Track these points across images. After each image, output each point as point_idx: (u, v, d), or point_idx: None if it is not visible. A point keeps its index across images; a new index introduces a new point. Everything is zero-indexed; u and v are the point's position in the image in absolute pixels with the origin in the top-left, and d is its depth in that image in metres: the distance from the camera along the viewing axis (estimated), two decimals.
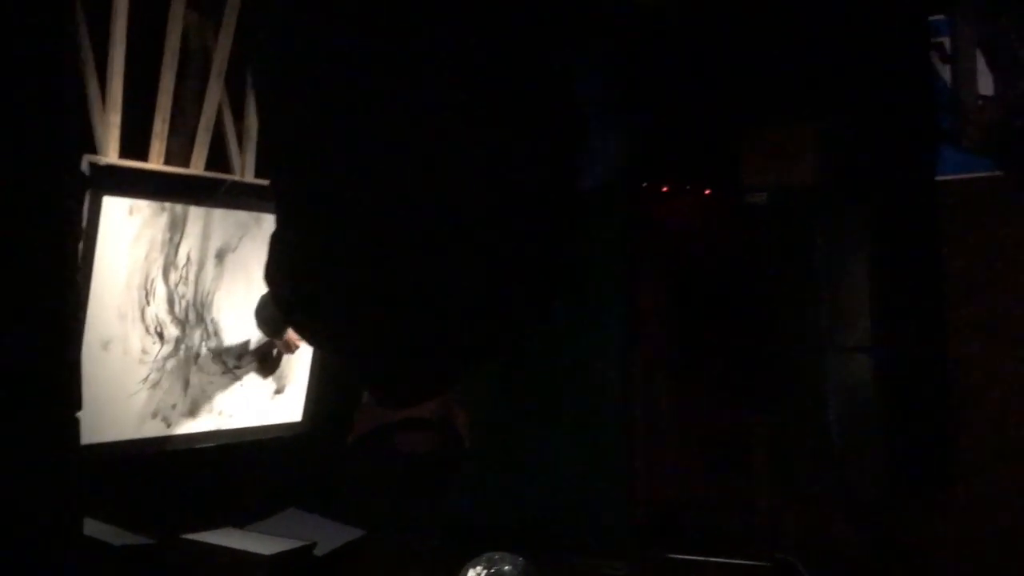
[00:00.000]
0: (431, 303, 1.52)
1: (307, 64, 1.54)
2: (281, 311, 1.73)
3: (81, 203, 2.74)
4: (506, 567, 2.89)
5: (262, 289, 2.63)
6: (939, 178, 3.92)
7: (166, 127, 2.98)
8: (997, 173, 3.72)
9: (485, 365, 1.66)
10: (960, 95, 3.60)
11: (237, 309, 3.16)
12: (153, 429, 3.05)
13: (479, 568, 2.87)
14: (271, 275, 1.68)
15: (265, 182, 2.75)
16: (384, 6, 1.53)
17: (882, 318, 3.78)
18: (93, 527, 3.24)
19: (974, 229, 3.95)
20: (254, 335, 3.24)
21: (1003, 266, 3.94)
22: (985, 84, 3.60)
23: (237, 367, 3.25)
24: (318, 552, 3.53)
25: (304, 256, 1.59)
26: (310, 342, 1.77)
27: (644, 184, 4.48)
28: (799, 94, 3.69)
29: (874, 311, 3.77)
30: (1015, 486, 3.90)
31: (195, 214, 3.06)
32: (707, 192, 4.48)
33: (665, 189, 4.54)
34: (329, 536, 3.67)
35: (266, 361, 3.32)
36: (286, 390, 3.42)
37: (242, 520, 3.59)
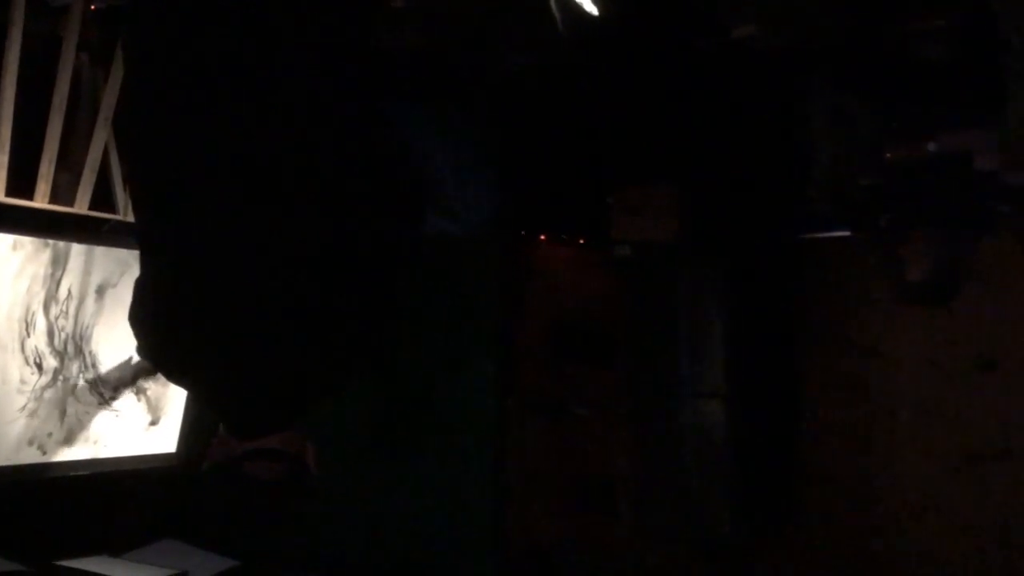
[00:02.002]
0: (272, 346, 1.69)
1: (160, 119, 1.70)
2: (140, 349, 1.88)
3: None
4: None
5: None
6: (804, 236, 4.19)
7: (52, 168, 3.10)
8: (856, 232, 3.99)
9: (321, 403, 1.83)
10: (812, 158, 3.87)
11: (115, 343, 3.27)
12: (29, 456, 3.13)
13: None
14: (134, 316, 1.84)
15: None
16: (236, 67, 1.69)
17: (736, 366, 4.02)
18: None
19: (832, 286, 4.22)
20: (131, 368, 3.36)
21: (850, 321, 4.22)
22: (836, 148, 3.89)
23: (114, 398, 3.36)
24: None
25: (162, 300, 1.76)
26: (167, 377, 1.92)
27: (523, 232, 4.67)
28: (662, 155, 3.93)
29: (728, 360, 4.01)
30: (856, 525, 4.15)
31: (77, 251, 3.17)
32: (581, 242, 4.69)
33: (542, 238, 4.74)
34: (202, 566, 3.73)
35: (141, 393, 3.42)
36: (161, 422, 3.52)
37: (117, 549, 3.64)
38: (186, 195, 1.69)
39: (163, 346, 1.80)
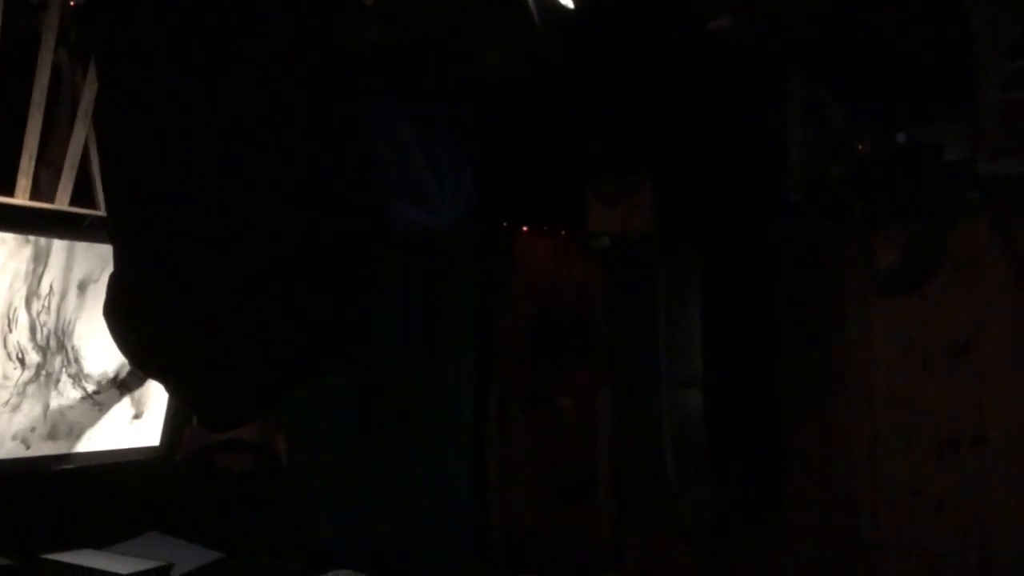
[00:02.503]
0: (241, 338, 1.73)
1: (127, 115, 1.74)
2: (115, 342, 1.92)
3: None
4: None
5: None
6: (780, 227, 4.25)
7: (32, 164, 3.12)
8: (829, 222, 4.05)
9: (290, 394, 1.87)
10: (786, 148, 3.93)
11: (98, 338, 3.29)
12: (12, 451, 3.16)
13: None
14: (107, 310, 1.88)
15: None
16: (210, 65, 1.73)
17: (713, 355, 4.08)
18: None
19: (809, 276, 4.27)
20: (114, 363, 3.39)
21: (828, 310, 4.28)
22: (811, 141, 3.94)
23: (97, 392, 3.38)
24: (175, 573, 3.62)
25: (133, 293, 1.79)
26: (140, 370, 1.95)
27: (504, 224, 4.72)
28: (638, 147, 3.98)
29: (706, 349, 4.07)
30: (835, 511, 4.21)
31: (59, 246, 3.19)
32: (563, 233, 4.73)
33: (525, 229, 4.78)
34: (187, 558, 3.75)
35: (125, 387, 3.46)
36: (144, 416, 3.54)
37: (103, 542, 3.68)
38: (155, 190, 1.73)
39: (135, 339, 1.84)
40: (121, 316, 1.84)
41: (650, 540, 4.44)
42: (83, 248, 3.24)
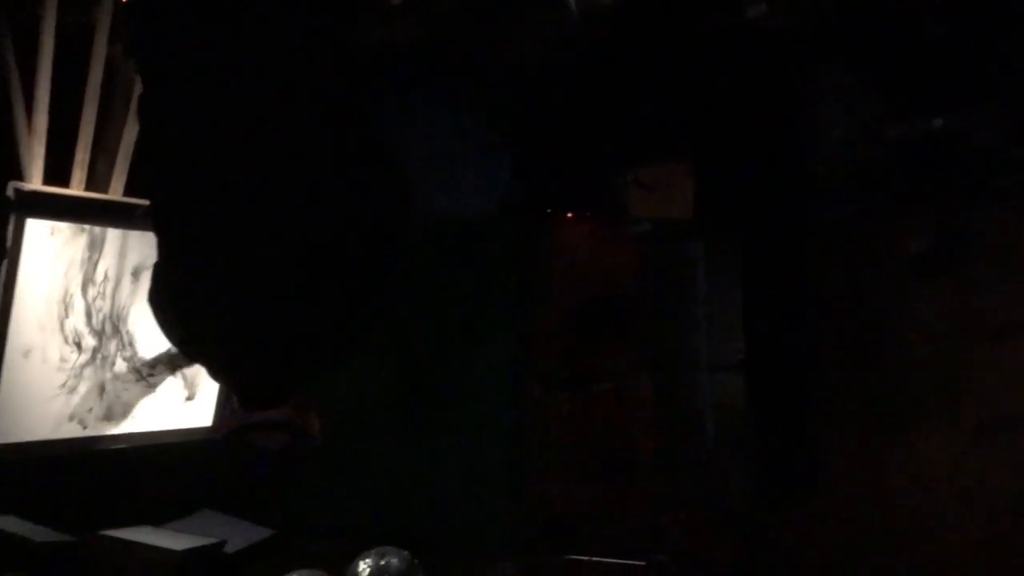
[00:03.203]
0: (275, 323, 1.84)
1: (166, 110, 1.84)
2: (160, 327, 2.04)
3: (6, 225, 3.03)
4: (393, 560, 3.13)
5: None
6: (817, 211, 4.27)
7: (87, 156, 3.26)
8: (860, 208, 4.07)
9: (322, 376, 1.97)
10: (821, 135, 3.94)
11: (151, 322, 3.42)
12: (70, 431, 3.31)
13: (368, 560, 3.11)
14: (152, 297, 1.99)
15: None
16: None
17: (752, 340, 4.11)
18: (15, 524, 3.48)
19: (846, 261, 4.29)
20: (167, 346, 3.51)
21: (863, 297, 4.29)
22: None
23: (151, 375, 3.52)
24: (228, 549, 3.72)
25: (174, 280, 1.90)
26: (183, 353, 2.06)
27: (547, 211, 4.78)
28: (677, 133, 4.02)
29: (746, 332, 4.11)
30: (873, 496, 4.23)
31: (113, 235, 3.32)
32: (603, 219, 4.78)
33: (566, 216, 4.84)
34: (239, 535, 3.87)
35: (177, 370, 3.59)
36: (197, 397, 3.67)
37: (158, 519, 3.81)
38: (193, 182, 1.83)
39: (178, 325, 1.95)
40: (164, 303, 1.95)
41: (690, 523, 4.49)
42: (136, 236, 3.37)
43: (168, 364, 3.58)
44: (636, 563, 4.08)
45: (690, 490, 4.25)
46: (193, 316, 1.88)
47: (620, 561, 4.14)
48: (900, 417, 4.14)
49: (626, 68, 3.96)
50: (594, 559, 4.19)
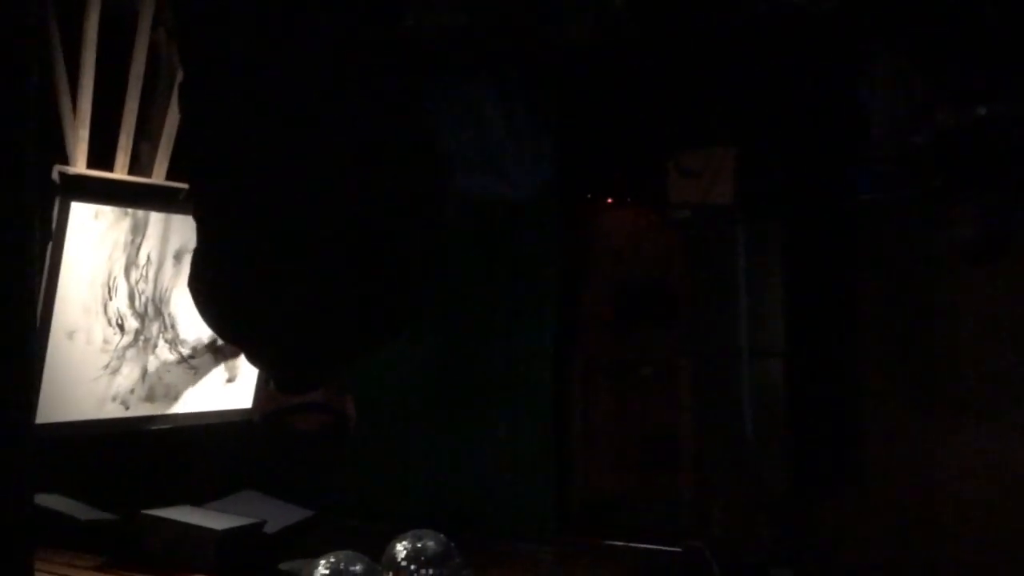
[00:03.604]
0: (313, 307, 1.84)
1: (206, 96, 1.84)
2: (199, 312, 2.05)
3: (51, 209, 3.06)
4: (429, 542, 3.13)
5: None
6: (862, 198, 4.22)
7: (130, 140, 3.28)
8: (911, 193, 4.02)
9: (360, 360, 1.98)
10: (872, 119, 3.90)
11: (192, 306, 3.45)
12: (113, 411, 3.34)
13: (405, 542, 3.11)
14: (193, 284, 2.00)
15: None
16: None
17: (795, 326, 4.09)
18: (60, 502, 3.54)
19: (890, 246, 4.24)
20: (208, 329, 3.54)
21: (913, 281, 4.24)
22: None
23: (192, 357, 3.55)
24: (268, 530, 3.76)
25: (213, 265, 1.91)
26: (222, 338, 2.08)
27: (588, 196, 4.77)
28: (720, 118, 3.99)
29: (788, 319, 4.08)
30: (913, 487, 4.19)
31: (155, 218, 3.35)
32: (644, 204, 4.76)
33: (607, 200, 4.83)
34: (280, 515, 3.89)
35: (219, 353, 3.62)
36: (238, 379, 3.70)
37: (199, 499, 3.85)
38: (232, 166, 1.83)
39: (216, 309, 1.96)
40: (203, 288, 1.96)
41: (731, 509, 4.48)
42: (179, 220, 3.40)
43: (209, 347, 3.61)
44: (673, 549, 4.08)
45: (730, 476, 4.24)
46: (232, 301, 1.89)
47: (657, 547, 4.13)
48: (947, 406, 4.09)
49: (670, 52, 3.93)
50: (631, 544, 4.19)
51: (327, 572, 2.61)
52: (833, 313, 4.22)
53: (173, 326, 3.47)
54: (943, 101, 3.34)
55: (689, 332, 4.38)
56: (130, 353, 3.36)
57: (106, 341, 3.29)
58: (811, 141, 3.96)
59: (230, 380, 3.70)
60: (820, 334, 4.14)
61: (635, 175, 4.40)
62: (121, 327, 3.33)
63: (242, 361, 3.73)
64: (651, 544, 4.26)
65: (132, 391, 3.39)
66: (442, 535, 3.18)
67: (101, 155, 3.25)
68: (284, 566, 3.27)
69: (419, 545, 3.11)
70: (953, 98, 3.33)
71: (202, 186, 1.93)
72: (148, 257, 3.36)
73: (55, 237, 3.08)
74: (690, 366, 4.39)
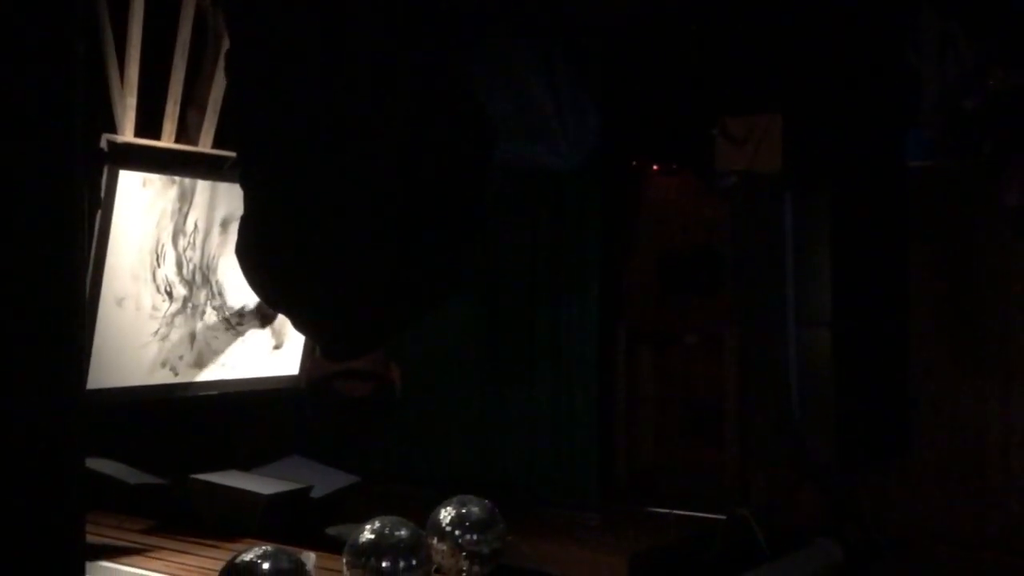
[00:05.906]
0: (360, 275, 1.85)
1: (254, 71, 1.85)
2: (247, 279, 2.07)
3: (100, 177, 3.09)
4: (474, 508, 3.15)
5: None
6: (911, 164, 4.17)
7: (177, 108, 3.30)
8: (960, 159, 3.96)
9: (404, 329, 1.99)
10: (922, 84, 3.83)
11: (239, 273, 3.48)
12: (162, 377, 3.38)
13: (450, 508, 3.13)
14: (239, 251, 2.02)
15: None
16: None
17: (842, 295, 4.04)
18: (111, 467, 3.60)
19: (940, 213, 4.19)
20: (255, 296, 3.57)
21: (963, 248, 4.18)
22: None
23: (239, 324, 3.58)
24: (314, 495, 3.79)
25: (262, 234, 1.93)
26: (270, 306, 2.10)
27: (633, 163, 4.75)
28: (767, 85, 3.94)
29: (835, 288, 4.04)
30: (960, 456, 4.16)
31: (202, 186, 3.38)
32: (691, 172, 4.73)
33: (653, 168, 4.80)
34: (326, 481, 3.93)
35: (265, 320, 3.65)
36: (284, 346, 3.73)
37: (247, 464, 3.90)
38: (279, 137, 1.84)
39: (264, 278, 1.98)
40: (251, 256, 1.98)
41: (775, 478, 4.46)
42: (225, 188, 3.42)
43: (256, 314, 3.64)
44: (718, 516, 4.08)
45: (775, 445, 4.22)
46: (279, 269, 1.91)
47: (702, 514, 4.14)
48: (996, 374, 4.05)
49: (715, 17, 3.89)
50: (676, 512, 4.20)
51: (372, 536, 2.63)
52: (881, 281, 4.17)
53: (220, 293, 3.50)
54: (993, 64, 3.28)
55: (735, 301, 4.35)
56: (179, 320, 3.39)
57: (155, 308, 3.32)
58: (859, 107, 3.90)
59: (277, 347, 3.73)
60: (867, 303, 4.10)
61: (681, 142, 4.37)
62: (169, 294, 3.36)
63: (289, 328, 3.76)
64: (694, 512, 4.27)
65: (181, 357, 3.43)
66: (486, 501, 3.20)
67: (148, 123, 3.27)
68: (330, 530, 3.31)
69: (463, 511, 3.13)
70: (1004, 61, 3.27)
71: (249, 154, 1.95)
72: (195, 225, 3.39)
73: (104, 205, 3.12)
74: (735, 335, 4.37)
